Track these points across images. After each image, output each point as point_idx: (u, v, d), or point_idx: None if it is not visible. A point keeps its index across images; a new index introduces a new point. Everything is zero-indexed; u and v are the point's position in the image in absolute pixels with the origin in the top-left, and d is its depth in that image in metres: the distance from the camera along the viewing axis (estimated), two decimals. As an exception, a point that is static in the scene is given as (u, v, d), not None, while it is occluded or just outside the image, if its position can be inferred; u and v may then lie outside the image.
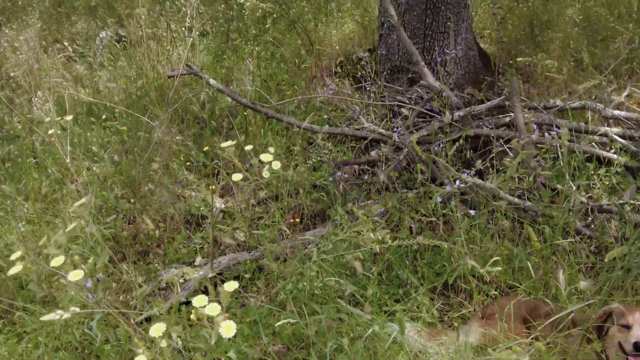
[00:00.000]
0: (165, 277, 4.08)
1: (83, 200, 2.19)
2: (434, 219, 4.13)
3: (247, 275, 4.09)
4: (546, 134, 4.10)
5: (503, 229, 3.78)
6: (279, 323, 2.72)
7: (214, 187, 4.51)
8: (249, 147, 2.58)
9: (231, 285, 2.21)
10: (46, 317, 2.23)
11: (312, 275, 3.17)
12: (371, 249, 3.44)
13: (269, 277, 4.08)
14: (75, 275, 2.13)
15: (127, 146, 5.00)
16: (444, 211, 4.09)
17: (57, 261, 2.12)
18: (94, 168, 5.02)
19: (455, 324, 3.47)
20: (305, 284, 3.09)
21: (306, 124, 4.86)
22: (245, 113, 5.45)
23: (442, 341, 3.22)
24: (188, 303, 4.01)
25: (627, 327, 2.81)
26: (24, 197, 5.08)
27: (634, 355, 2.74)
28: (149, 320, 3.78)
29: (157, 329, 2.11)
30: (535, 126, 4.18)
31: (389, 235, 3.50)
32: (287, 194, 4.65)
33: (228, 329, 2.09)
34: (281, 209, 4.55)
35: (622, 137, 4.71)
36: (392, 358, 2.60)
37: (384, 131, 4.84)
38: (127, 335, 3.24)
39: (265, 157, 2.53)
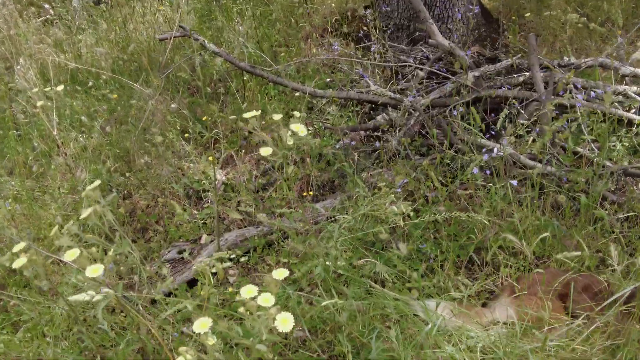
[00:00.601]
0: (193, 268, 3.81)
1: (96, 182, 1.90)
2: (452, 187, 3.91)
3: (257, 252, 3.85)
4: (579, 95, 3.85)
5: (532, 198, 3.58)
6: (323, 303, 2.46)
7: (213, 158, 4.24)
8: (277, 116, 2.30)
9: (281, 273, 1.96)
10: (75, 298, 1.97)
11: (336, 254, 2.94)
12: (394, 222, 3.23)
13: (280, 253, 3.84)
14: (94, 270, 1.86)
15: (117, 116, 4.66)
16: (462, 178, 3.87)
17: (72, 254, 1.85)
18: (82, 139, 4.69)
19: (485, 301, 3.28)
20: (329, 263, 2.86)
21: (312, 89, 4.56)
22: (244, 78, 5.12)
23: (479, 321, 3.02)
24: (194, 282, 3.78)
25: None
26: (9, 173, 4.74)
27: None
28: (154, 302, 3.54)
29: (202, 324, 1.86)
30: (559, 86, 3.94)
31: (410, 208, 3.27)
32: (293, 163, 4.38)
33: (285, 322, 1.85)
34: (287, 179, 4.29)
35: (642, 95, 4.50)
36: (437, 345, 2.40)
37: (394, 95, 4.56)
38: (137, 324, 2.99)
39: (295, 126, 2.25)
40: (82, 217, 1.90)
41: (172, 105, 4.53)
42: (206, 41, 4.44)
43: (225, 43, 6.59)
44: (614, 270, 3.22)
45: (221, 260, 2.20)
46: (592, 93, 4.15)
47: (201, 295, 3.38)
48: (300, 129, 2.23)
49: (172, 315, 3.13)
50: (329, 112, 5.24)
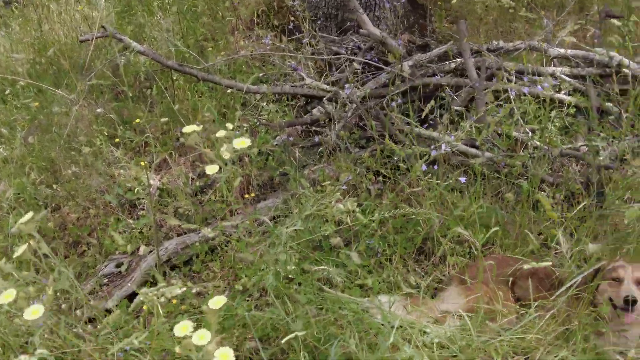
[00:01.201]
0: (137, 301, 3.61)
1: (29, 215, 1.73)
2: (394, 179, 3.90)
3: (200, 259, 3.71)
4: (512, 90, 3.89)
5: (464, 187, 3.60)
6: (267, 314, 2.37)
7: (144, 162, 4.05)
8: (220, 134, 2.18)
9: (219, 302, 1.84)
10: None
11: (285, 259, 2.85)
12: (339, 221, 3.17)
13: (224, 259, 3.72)
14: (34, 312, 1.69)
15: (39, 124, 4.38)
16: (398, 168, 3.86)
17: (8, 296, 1.68)
18: (2, 151, 4.38)
19: (434, 292, 3.28)
20: (278, 269, 2.77)
21: (247, 86, 4.42)
22: (174, 77, 4.92)
23: (432, 315, 3.01)
24: (134, 295, 3.60)
25: (618, 281, 2.69)
26: None
27: (624, 309, 2.63)
28: (92, 320, 3.36)
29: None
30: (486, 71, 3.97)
31: (356, 204, 3.22)
32: (231, 163, 4.24)
33: (224, 357, 1.73)
34: (227, 181, 4.15)
35: (570, 76, 4.61)
36: (395, 346, 2.36)
37: (331, 87, 4.49)
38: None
39: (238, 141, 2.14)
40: (16, 255, 1.73)
41: (98, 110, 4.30)
42: (130, 40, 4.22)
43: (149, 39, 6.33)
44: (557, 254, 3.29)
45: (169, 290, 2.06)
46: (525, 77, 4.22)
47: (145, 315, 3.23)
48: (244, 142, 2.12)
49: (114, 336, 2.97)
50: (263, 108, 5.12)
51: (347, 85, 4.25)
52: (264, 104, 5.12)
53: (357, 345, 2.31)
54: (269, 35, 5.51)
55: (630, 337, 2.71)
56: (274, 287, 2.49)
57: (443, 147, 3.24)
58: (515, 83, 4.48)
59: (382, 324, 2.40)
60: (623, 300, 2.59)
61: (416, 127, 3.93)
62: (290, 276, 2.89)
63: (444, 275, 3.41)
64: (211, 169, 2.14)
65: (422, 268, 3.50)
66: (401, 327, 2.46)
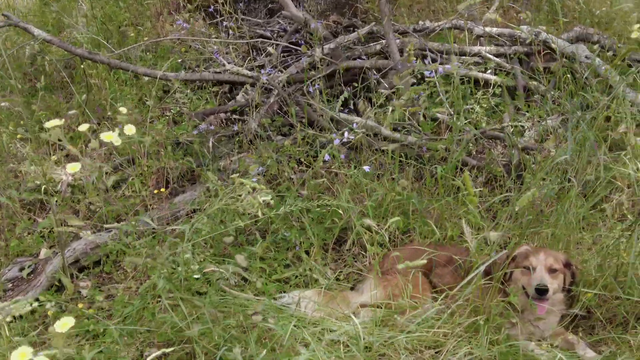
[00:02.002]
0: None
1: None
2: (316, 168, 3.76)
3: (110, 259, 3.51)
4: (427, 72, 3.79)
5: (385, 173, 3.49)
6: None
7: (55, 158, 3.82)
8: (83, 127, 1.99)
9: (64, 325, 1.67)
10: None
11: (187, 258, 2.68)
12: (253, 214, 3.03)
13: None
14: None
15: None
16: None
17: None
18: None
19: (354, 283, 3.17)
20: (180, 269, 2.60)
21: (161, 73, 4.21)
22: (93, 64, 4.66)
23: (345, 309, 2.90)
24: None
25: (530, 269, 2.61)
26: None
27: (536, 299, 2.56)
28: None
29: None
30: (414, 61, 3.85)
31: (270, 196, 3.08)
32: (146, 157, 4.04)
33: None
34: (141, 174, 3.95)
35: (496, 55, 4.54)
36: (292, 347, 2.23)
37: (249, 72, 4.31)
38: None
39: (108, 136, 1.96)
40: None
41: (2, 104, 4.02)
42: (36, 29, 3.95)
43: (70, 27, 6.01)
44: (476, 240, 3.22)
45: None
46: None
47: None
48: (110, 136, 1.94)
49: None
50: (186, 95, 4.91)
51: (263, 71, 4.08)
52: (188, 91, 4.91)
53: (255, 349, 2.18)
54: (181, 20, 5.26)
55: (544, 326, 2.65)
56: (166, 290, 2.33)
57: (346, 134, 3.11)
58: (440, 64, 4.39)
59: (282, 325, 2.26)
60: (535, 289, 2.52)
61: (336, 112, 3.80)
62: (195, 276, 2.73)
63: (364, 265, 3.30)
64: (73, 167, 1.95)
65: (342, 259, 3.39)
66: (301, 326, 2.33)
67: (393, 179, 3.46)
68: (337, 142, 3.10)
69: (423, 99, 3.44)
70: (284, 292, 3.05)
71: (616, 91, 3.27)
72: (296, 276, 3.15)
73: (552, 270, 2.57)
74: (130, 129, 2.25)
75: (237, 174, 3.07)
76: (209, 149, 3.82)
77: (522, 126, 4.01)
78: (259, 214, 2.94)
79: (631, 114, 3.60)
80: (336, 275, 3.25)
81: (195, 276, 2.70)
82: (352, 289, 3.14)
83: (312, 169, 3.55)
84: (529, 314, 2.62)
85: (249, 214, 3.09)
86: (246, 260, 3.16)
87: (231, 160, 3.97)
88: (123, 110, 2.58)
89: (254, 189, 3.09)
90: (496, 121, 4.16)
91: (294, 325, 2.35)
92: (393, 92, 4.35)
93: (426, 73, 3.88)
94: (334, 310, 2.91)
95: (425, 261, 2.62)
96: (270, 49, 4.35)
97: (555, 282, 2.57)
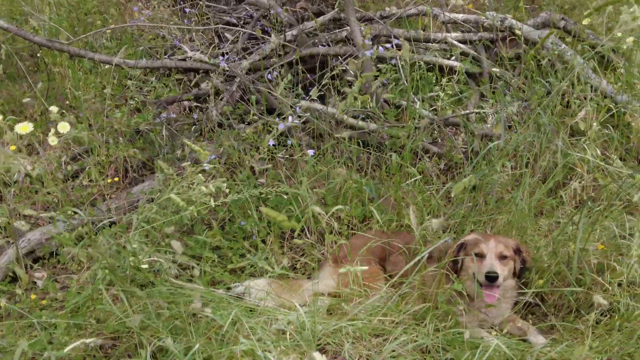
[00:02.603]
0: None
1: None
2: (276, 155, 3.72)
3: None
4: (381, 48, 3.74)
5: (350, 158, 3.45)
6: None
7: (14, 147, 3.73)
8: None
9: None
10: None
11: (134, 248, 2.63)
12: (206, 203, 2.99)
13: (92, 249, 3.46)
14: None
15: None
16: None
17: None
18: None
19: (311, 272, 3.13)
20: (128, 259, 2.56)
21: (117, 59, 4.13)
22: (57, 53, 4.58)
23: (297, 298, 2.87)
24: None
25: (481, 256, 2.59)
26: None
27: (487, 286, 2.53)
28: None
29: None
30: (369, 41, 3.79)
31: (226, 184, 3.03)
32: (104, 146, 3.97)
33: None
34: (99, 163, 3.89)
35: (462, 42, 4.51)
36: (234, 340, 2.19)
37: (210, 59, 4.24)
38: None
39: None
40: None
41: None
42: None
43: (29, 14, 5.90)
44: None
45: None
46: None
47: None
48: (26, 127, 1.88)
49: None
50: (151, 83, 4.83)
51: (221, 58, 4.01)
52: (153, 79, 4.83)
53: (195, 339, 2.14)
54: (136, 7, 5.17)
55: (495, 313, 2.63)
56: (105, 282, 2.28)
57: (290, 119, 3.06)
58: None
59: (221, 315, 2.22)
60: (485, 275, 2.50)
61: (297, 97, 3.75)
62: (143, 266, 2.68)
63: (322, 254, 3.27)
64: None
65: (300, 248, 3.35)
66: (245, 316, 2.29)
67: (350, 166, 3.42)
68: (281, 126, 3.05)
69: (375, 85, 3.39)
70: (238, 282, 3.01)
71: (571, 75, 3.24)
72: (252, 265, 3.11)
73: (502, 257, 2.55)
74: (64, 127, 2.19)
75: (190, 163, 3.02)
76: (168, 137, 3.75)
77: (486, 113, 3.98)
78: (212, 202, 2.90)
79: (592, 100, 3.58)
80: (292, 263, 3.22)
81: (143, 266, 2.66)
82: (309, 277, 3.10)
83: (269, 157, 3.50)
84: (480, 302, 2.60)
85: (203, 203, 3.06)
86: (194, 248, 3.15)
87: (191, 149, 3.91)
88: (54, 109, 2.53)
89: (205, 177, 3.05)
90: (460, 108, 4.13)
91: (240, 315, 2.31)
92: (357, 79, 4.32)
93: (392, 61, 3.84)
94: (286, 299, 2.89)
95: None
96: (228, 34, 4.28)
97: (505, 269, 2.54)
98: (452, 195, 2.21)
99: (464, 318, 2.55)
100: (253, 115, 3.70)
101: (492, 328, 2.67)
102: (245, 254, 3.23)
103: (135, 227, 2.71)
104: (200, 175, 2.95)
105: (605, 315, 2.55)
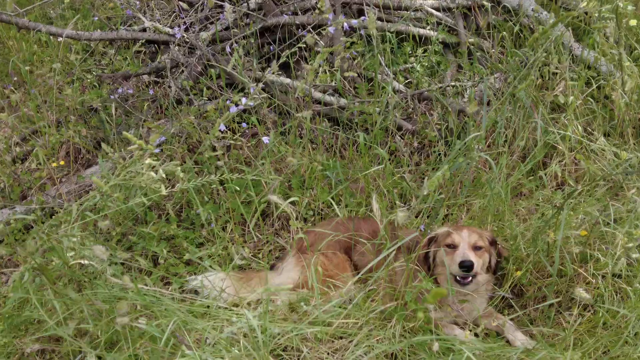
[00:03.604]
0: None
1: None
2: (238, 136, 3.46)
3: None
4: (353, 21, 3.46)
5: (314, 139, 3.21)
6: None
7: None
8: None
9: None
10: None
11: (73, 243, 2.39)
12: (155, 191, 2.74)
13: (39, 240, 3.21)
14: None
15: None
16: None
17: None
18: None
19: (274, 261, 2.91)
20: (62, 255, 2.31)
21: (68, 31, 3.82)
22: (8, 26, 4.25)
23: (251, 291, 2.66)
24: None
25: (454, 247, 2.38)
26: None
27: (462, 276, 2.33)
28: None
29: None
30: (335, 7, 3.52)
31: (180, 168, 2.78)
32: (55, 125, 3.69)
33: None
34: (49, 145, 3.61)
35: (438, 9, 4.24)
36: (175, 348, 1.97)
37: (169, 30, 3.95)
38: None
39: None
40: None
41: None
42: None
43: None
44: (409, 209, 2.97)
45: None
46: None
47: None
48: None
49: None
50: (109, 57, 4.52)
51: (176, 29, 3.72)
52: (112, 51, 4.52)
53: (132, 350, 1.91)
54: None
55: (470, 308, 2.44)
56: (36, 285, 2.04)
57: (243, 100, 2.79)
58: (378, 19, 4.08)
59: (158, 326, 1.99)
60: (458, 265, 2.29)
61: (263, 70, 3.48)
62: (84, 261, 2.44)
63: (286, 241, 3.04)
64: None
65: (266, 234, 3.12)
66: (181, 325, 2.06)
67: (316, 147, 3.18)
68: (233, 109, 2.79)
69: (340, 57, 3.12)
70: (194, 274, 2.79)
71: (547, 44, 3.00)
72: (210, 256, 2.88)
73: (476, 248, 2.35)
74: None
75: (135, 146, 2.76)
76: (122, 116, 3.48)
77: (463, 86, 3.74)
78: (162, 189, 2.65)
79: (572, 72, 3.35)
80: (255, 254, 2.99)
81: (84, 262, 2.41)
82: (272, 267, 2.88)
83: (232, 135, 3.25)
84: (453, 297, 2.40)
85: (153, 190, 2.82)
86: (148, 240, 2.90)
87: (149, 128, 3.64)
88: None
89: (157, 161, 2.79)
90: (436, 81, 3.89)
91: (187, 320, 2.09)
92: (331, 53, 4.05)
93: (361, 31, 3.57)
94: (248, 294, 2.67)
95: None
96: (183, 3, 3.97)
97: (480, 260, 2.34)
98: (425, 192, 1.98)
99: (436, 314, 2.35)
100: (209, 89, 3.43)
101: (467, 324, 2.48)
102: (204, 242, 3.01)
103: (74, 219, 2.46)
104: (149, 160, 2.69)
105: (588, 310, 2.36)
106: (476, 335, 2.31)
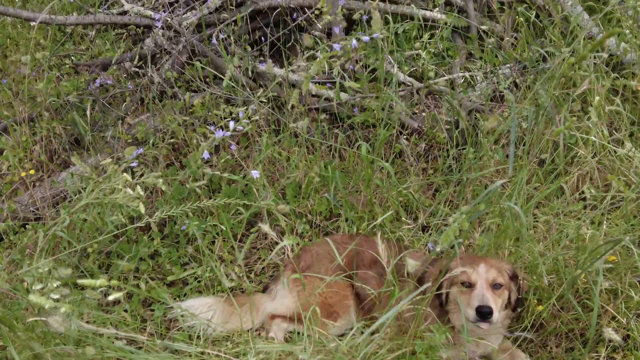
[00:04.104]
0: None
1: None
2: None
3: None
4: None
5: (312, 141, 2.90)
6: None
7: None
8: None
9: None
10: None
11: (40, 274, 2.11)
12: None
13: (12, 250, 2.94)
14: None
15: None
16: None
17: None
18: None
19: (267, 282, 2.65)
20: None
21: (44, 16, 3.47)
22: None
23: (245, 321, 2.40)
24: None
25: (470, 286, 2.08)
26: None
27: (479, 321, 2.03)
28: None
29: None
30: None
31: (162, 180, 2.48)
32: (27, 122, 3.37)
33: None
34: (20, 145, 3.30)
35: (446, -10, 3.88)
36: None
37: (150, 12, 3.60)
38: None
39: None
40: None
41: None
42: None
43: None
44: (411, 229, 2.69)
45: None
46: None
47: None
48: None
49: None
50: (89, 41, 4.18)
51: (157, 15, 3.37)
52: (92, 33, 4.17)
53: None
54: None
55: (482, 347, 2.18)
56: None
57: (231, 125, 2.46)
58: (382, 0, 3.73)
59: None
60: (475, 310, 2.00)
61: (255, 59, 3.16)
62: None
63: (280, 259, 2.77)
64: None
65: (256, 250, 2.85)
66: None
67: (313, 153, 2.88)
68: (219, 134, 2.47)
69: (338, 67, 2.79)
70: (177, 299, 2.52)
71: (578, 40, 2.68)
72: (196, 278, 2.61)
73: (495, 286, 2.06)
74: None
75: (109, 160, 2.46)
76: (101, 111, 3.17)
77: (474, 77, 3.42)
78: (141, 208, 2.36)
79: (595, 67, 3.03)
80: (248, 272, 2.72)
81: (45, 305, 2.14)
82: (264, 290, 2.62)
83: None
84: (468, 336, 2.13)
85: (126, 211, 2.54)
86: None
87: (130, 124, 3.32)
88: None
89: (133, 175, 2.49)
90: (444, 71, 3.56)
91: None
92: (329, 36, 3.71)
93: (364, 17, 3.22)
94: (239, 322, 2.42)
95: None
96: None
97: (499, 300, 2.06)
98: (438, 248, 1.70)
99: (451, 353, 2.10)
100: (195, 81, 3.11)
101: (483, 358, 2.23)
102: (190, 261, 2.73)
103: (40, 248, 2.18)
104: (125, 174, 2.39)
105: (617, 351, 2.11)
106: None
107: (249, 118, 2.53)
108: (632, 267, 2.17)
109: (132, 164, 2.54)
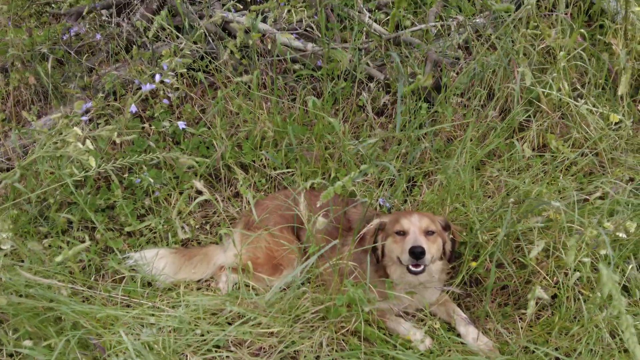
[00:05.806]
0: None
1: None
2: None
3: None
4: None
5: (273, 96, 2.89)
6: None
7: None
8: None
9: None
10: None
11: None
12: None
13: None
14: None
15: None
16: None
17: None
18: None
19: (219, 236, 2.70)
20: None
21: (13, -36, 3.45)
22: None
23: (196, 272, 2.48)
24: None
25: (403, 234, 2.12)
26: None
27: (413, 265, 2.08)
28: None
29: None
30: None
31: (116, 133, 2.53)
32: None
33: None
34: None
35: None
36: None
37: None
38: None
39: None
40: None
41: None
42: None
43: None
44: (368, 182, 2.70)
45: None
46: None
47: None
48: None
49: None
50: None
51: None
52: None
53: None
54: None
55: (420, 300, 2.22)
56: None
57: (157, 78, 2.45)
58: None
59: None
60: (408, 252, 2.04)
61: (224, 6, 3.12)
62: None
63: (237, 211, 2.81)
64: None
65: (211, 204, 2.89)
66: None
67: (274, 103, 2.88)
68: (145, 88, 2.46)
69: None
70: (136, 250, 2.59)
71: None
72: (151, 229, 2.67)
73: (428, 233, 2.10)
74: None
75: (59, 114, 2.49)
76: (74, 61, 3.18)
77: (448, 25, 3.34)
78: (91, 162, 2.41)
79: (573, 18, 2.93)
80: (202, 225, 2.77)
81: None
82: (219, 241, 2.67)
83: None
84: (402, 287, 2.18)
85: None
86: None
87: (99, 75, 3.34)
88: None
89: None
90: (418, 20, 3.48)
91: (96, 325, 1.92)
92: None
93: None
94: (189, 273, 2.49)
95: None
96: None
97: (433, 246, 2.09)
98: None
99: (381, 306, 2.15)
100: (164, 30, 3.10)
101: (418, 310, 2.28)
102: (147, 213, 2.78)
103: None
104: (75, 128, 2.43)
105: (547, 309, 2.14)
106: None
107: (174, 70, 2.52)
108: (564, 228, 2.17)
109: (82, 117, 2.57)
